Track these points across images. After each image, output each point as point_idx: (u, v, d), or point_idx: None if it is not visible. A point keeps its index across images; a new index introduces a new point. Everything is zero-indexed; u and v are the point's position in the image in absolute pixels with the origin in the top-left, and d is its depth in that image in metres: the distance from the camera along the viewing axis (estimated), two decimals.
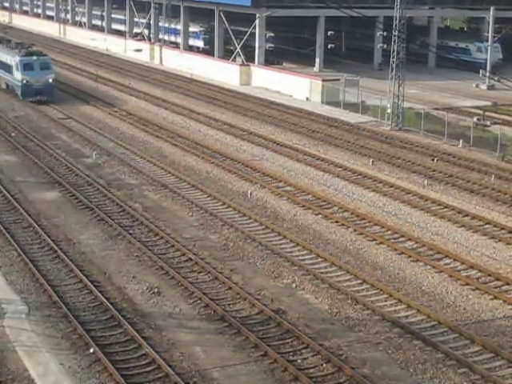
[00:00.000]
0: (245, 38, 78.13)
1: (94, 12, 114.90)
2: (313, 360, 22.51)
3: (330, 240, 32.24)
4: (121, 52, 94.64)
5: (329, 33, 77.69)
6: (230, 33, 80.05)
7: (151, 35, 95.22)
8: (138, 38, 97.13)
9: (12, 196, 36.82)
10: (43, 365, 21.84)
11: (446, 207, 36.67)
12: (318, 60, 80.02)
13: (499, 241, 32.41)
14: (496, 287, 27.92)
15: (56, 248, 30.22)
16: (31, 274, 27.88)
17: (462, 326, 24.78)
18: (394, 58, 53.79)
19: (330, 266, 29.37)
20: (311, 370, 21.92)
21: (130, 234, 32.14)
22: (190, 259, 29.65)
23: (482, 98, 66.43)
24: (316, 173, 42.27)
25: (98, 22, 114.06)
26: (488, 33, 74.96)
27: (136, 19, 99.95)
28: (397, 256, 30.56)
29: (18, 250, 29.95)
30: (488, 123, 54.78)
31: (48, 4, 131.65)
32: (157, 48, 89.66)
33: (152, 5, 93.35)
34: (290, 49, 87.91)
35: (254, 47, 77.33)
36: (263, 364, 22.26)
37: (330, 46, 78.45)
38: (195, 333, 24.03)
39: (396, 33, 53.13)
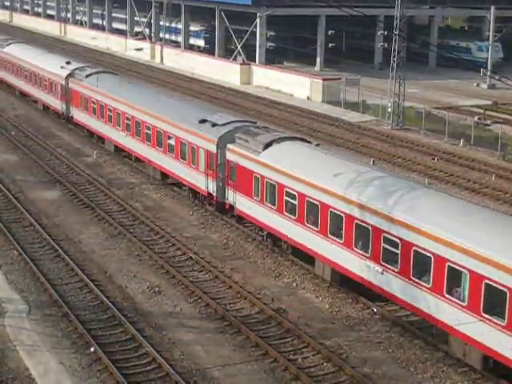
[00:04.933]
0: (245, 37, 78.17)
1: (94, 11, 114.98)
2: (313, 359, 22.50)
3: None
4: (121, 51, 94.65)
5: (329, 32, 77.77)
6: (231, 32, 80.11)
7: (152, 34, 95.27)
8: (139, 37, 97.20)
9: (13, 195, 36.83)
10: (44, 364, 21.85)
11: None
12: (318, 59, 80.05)
13: None
14: None
15: (57, 247, 30.23)
16: (32, 273, 27.89)
17: None
18: (394, 57, 53.78)
19: None
20: (312, 369, 21.91)
21: (131, 233, 32.15)
22: (191, 258, 29.66)
23: (482, 97, 66.43)
24: None
25: (98, 21, 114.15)
26: (489, 32, 74.97)
27: (137, 18, 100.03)
28: None
29: (19, 249, 29.96)
30: (489, 122, 54.79)
31: (48, 3, 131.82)
32: (157, 47, 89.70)
33: (153, 4, 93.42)
34: (290, 48, 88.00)
35: (255, 46, 77.37)
36: (264, 363, 22.26)
37: (330, 45, 78.50)
38: (196, 332, 24.02)
39: (397, 32, 53.12)
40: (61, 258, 29.35)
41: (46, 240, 31.09)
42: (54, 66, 52.83)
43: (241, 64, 76.39)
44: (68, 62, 51.61)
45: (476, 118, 54.19)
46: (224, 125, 33.42)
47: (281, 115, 57.99)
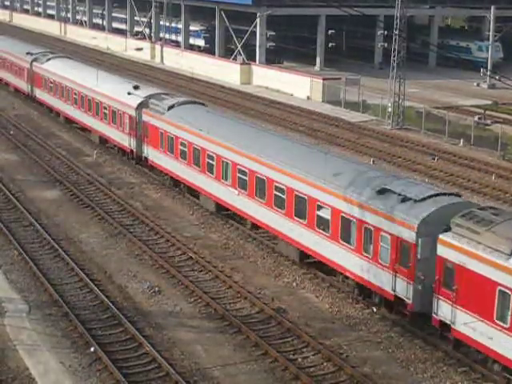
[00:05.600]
0: (246, 36, 78.15)
1: (94, 11, 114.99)
2: (313, 359, 22.50)
3: None
4: (121, 51, 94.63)
5: (329, 32, 77.75)
6: (231, 32, 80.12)
7: (152, 34, 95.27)
8: (139, 36, 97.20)
9: (13, 195, 36.82)
10: (44, 363, 21.85)
11: None
12: (318, 59, 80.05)
13: None
14: None
15: (57, 247, 30.22)
16: (32, 273, 27.88)
17: None
18: (394, 56, 53.76)
19: None
20: (312, 369, 21.91)
21: (131, 232, 32.15)
22: (191, 258, 29.66)
23: (482, 97, 66.44)
24: None
25: (98, 21, 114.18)
26: (489, 32, 74.99)
27: (137, 18, 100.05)
28: None
29: (19, 248, 29.96)
30: (489, 122, 54.78)
31: (49, 3, 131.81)
32: (157, 47, 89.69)
33: (153, 3, 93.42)
34: (290, 47, 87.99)
35: (255, 46, 77.37)
36: (264, 363, 22.25)
37: (330, 44, 78.47)
38: (196, 331, 24.02)
39: (397, 32, 53.10)
40: (61, 258, 29.34)
41: (46, 240, 31.08)
42: (116, 91, 43.50)
43: (241, 64, 76.38)
44: (136, 87, 42.40)
45: (476, 118, 54.17)
46: (424, 200, 23.80)
47: (281, 115, 57.99)
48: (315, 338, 23.46)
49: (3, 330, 23.68)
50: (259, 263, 29.48)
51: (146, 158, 39.91)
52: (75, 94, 49.18)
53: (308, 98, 65.21)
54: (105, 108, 44.45)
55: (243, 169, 31.29)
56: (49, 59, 56.73)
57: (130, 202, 36.19)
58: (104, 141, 45.66)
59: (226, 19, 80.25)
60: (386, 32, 57.15)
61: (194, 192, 35.74)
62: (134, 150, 40.97)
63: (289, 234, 28.73)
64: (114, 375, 21.20)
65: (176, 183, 37.32)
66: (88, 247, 30.76)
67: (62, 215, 34.54)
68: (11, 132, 50.11)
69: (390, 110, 54.87)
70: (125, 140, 41.95)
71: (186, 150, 35.60)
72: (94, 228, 32.96)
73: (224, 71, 76.15)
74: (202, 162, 34.17)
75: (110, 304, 25.31)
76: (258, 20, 76.18)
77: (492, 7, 73.31)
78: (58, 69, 53.73)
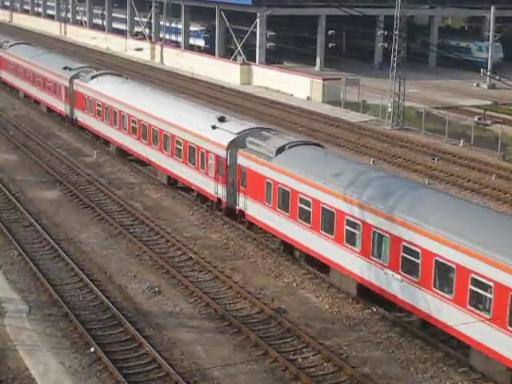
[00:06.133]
0: (246, 37, 78.19)
1: (94, 11, 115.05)
2: (313, 359, 22.50)
3: None
4: (121, 51, 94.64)
5: (329, 32, 77.76)
6: (231, 32, 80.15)
7: (152, 34, 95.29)
8: (139, 37, 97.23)
9: (13, 195, 36.83)
10: (44, 364, 21.85)
11: None
12: (318, 59, 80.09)
13: None
14: None
15: (57, 247, 30.22)
16: (32, 273, 27.89)
17: None
18: (394, 57, 53.78)
19: None
20: (312, 369, 21.91)
21: (131, 233, 32.15)
22: (191, 258, 29.66)
23: (482, 97, 66.43)
24: None
25: (98, 21, 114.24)
26: (489, 32, 75.00)
27: (137, 18, 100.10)
28: None
29: (19, 249, 29.96)
30: (489, 122, 54.80)
31: (49, 3, 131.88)
32: (157, 47, 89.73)
33: (153, 4, 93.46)
34: (290, 48, 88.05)
35: (255, 46, 77.42)
36: (264, 363, 22.25)
37: (330, 45, 78.50)
38: (196, 332, 24.02)
39: (397, 32, 53.12)
40: (61, 258, 29.35)
41: (46, 240, 31.09)
42: (194, 123, 35.56)
43: (241, 64, 76.41)
44: (221, 119, 34.53)
45: (476, 118, 54.20)
46: None
47: (281, 115, 58.00)
48: (315, 339, 23.46)
49: (3, 330, 23.68)
50: (259, 263, 29.49)
51: (241, 212, 32.01)
52: (134, 121, 40.92)
53: (308, 98, 65.24)
54: (178, 143, 36.35)
55: (412, 247, 22.80)
56: (94, 76, 47.94)
57: (130, 203, 36.19)
58: (174, 180, 37.82)
59: (225, 19, 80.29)
60: (385, 32, 57.17)
61: (315, 261, 27.83)
62: (224, 200, 33.00)
63: (500, 350, 20.33)
64: (114, 375, 21.20)
65: (289, 248, 29.42)
66: (88, 247, 30.76)
67: (62, 215, 34.55)
68: (11, 132, 50.10)
69: (389, 110, 54.90)
70: (209, 186, 33.84)
71: (309, 209, 27.34)
72: (94, 228, 32.96)
73: (224, 71, 76.17)
74: (338, 229, 25.98)
75: (110, 304, 25.31)
76: (257, 20, 76.22)
77: (492, 7, 73.33)
78: (108, 89, 45.03)
